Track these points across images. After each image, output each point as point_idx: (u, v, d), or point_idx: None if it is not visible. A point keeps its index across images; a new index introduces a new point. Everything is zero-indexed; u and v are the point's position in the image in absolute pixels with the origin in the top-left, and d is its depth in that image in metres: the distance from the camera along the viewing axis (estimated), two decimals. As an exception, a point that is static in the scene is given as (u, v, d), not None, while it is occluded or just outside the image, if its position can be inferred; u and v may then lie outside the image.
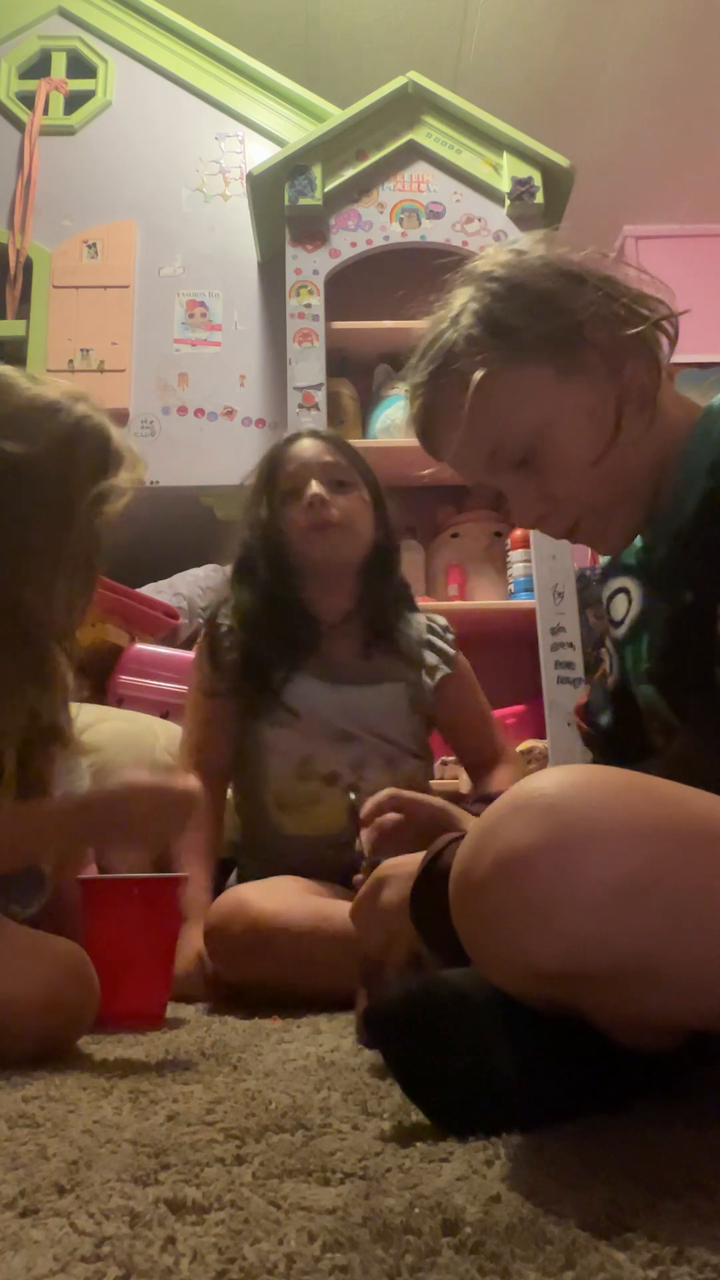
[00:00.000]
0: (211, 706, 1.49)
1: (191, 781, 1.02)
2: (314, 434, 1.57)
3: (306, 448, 1.54)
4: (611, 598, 0.90)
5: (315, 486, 1.48)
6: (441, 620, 1.61)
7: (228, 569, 1.60)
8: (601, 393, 0.79)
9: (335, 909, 1.19)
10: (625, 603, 0.87)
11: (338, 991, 1.09)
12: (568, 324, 0.79)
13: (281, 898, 1.24)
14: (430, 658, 1.54)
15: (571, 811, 0.54)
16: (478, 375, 0.79)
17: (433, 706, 1.54)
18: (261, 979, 1.20)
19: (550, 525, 0.85)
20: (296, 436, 1.57)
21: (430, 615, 1.62)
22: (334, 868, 1.33)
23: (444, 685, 1.53)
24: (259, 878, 1.34)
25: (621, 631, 0.88)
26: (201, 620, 1.58)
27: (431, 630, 1.58)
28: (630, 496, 0.82)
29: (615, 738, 0.93)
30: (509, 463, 0.82)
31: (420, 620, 1.59)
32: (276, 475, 1.52)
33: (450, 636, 1.59)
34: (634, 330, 0.79)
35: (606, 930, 0.52)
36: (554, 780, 0.56)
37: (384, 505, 1.57)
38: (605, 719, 0.94)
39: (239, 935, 1.20)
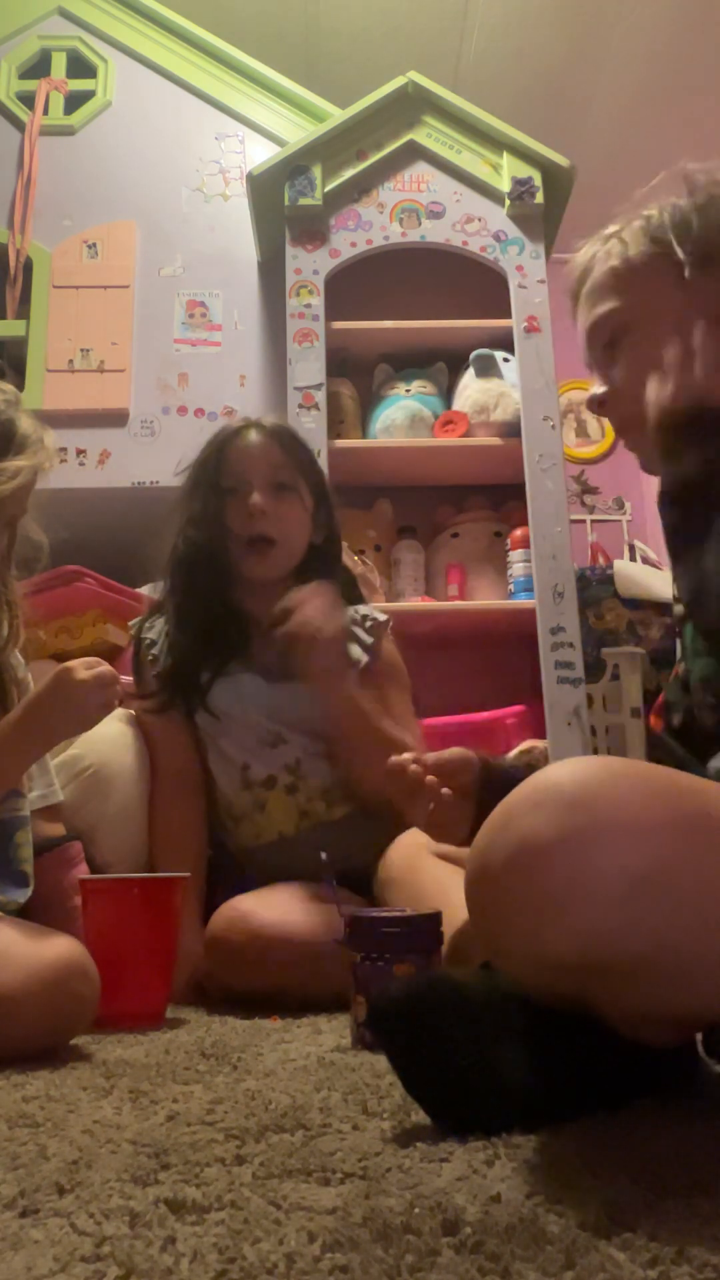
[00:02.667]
0: (161, 721, 1.48)
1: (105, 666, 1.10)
2: (258, 426, 1.52)
3: (253, 444, 1.50)
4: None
5: (257, 496, 1.46)
6: (366, 610, 1.57)
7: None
8: (698, 313, 0.83)
9: (335, 915, 1.19)
10: None
11: (341, 998, 1.09)
12: (715, 247, 0.84)
13: (282, 907, 1.24)
14: (354, 651, 1.50)
15: (589, 805, 0.54)
16: (613, 262, 0.88)
17: None
18: (264, 987, 1.20)
19: (610, 414, 0.92)
20: (242, 428, 1.52)
21: (358, 608, 1.57)
22: (291, 873, 1.32)
23: (361, 678, 1.48)
24: (230, 889, 1.33)
25: (682, 607, 0.87)
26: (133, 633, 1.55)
27: (354, 623, 1.53)
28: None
29: (687, 736, 0.92)
30: (599, 342, 0.90)
31: (349, 615, 1.53)
32: (219, 469, 1.49)
33: (370, 625, 1.54)
34: None
35: (622, 922, 0.52)
36: (571, 773, 0.57)
37: (327, 501, 1.55)
38: (678, 718, 0.92)
39: (241, 946, 1.20)
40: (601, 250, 0.90)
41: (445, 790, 1.01)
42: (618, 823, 0.53)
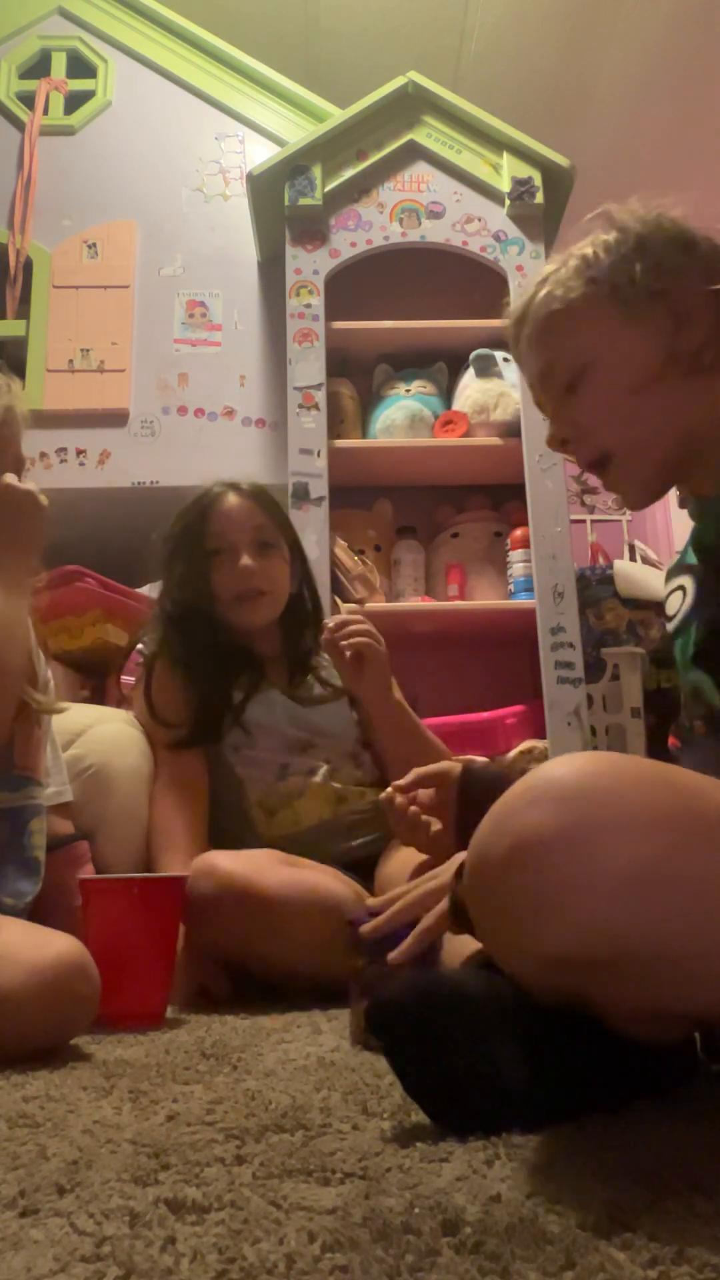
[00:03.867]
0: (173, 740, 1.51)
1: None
2: (238, 490, 1.58)
3: (234, 507, 1.55)
4: (669, 595, 0.92)
5: (245, 558, 1.51)
6: None
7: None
8: (654, 347, 0.85)
9: (316, 879, 1.21)
10: (680, 598, 0.89)
11: (316, 964, 1.14)
12: (660, 283, 0.85)
13: (254, 862, 1.24)
14: None
15: (589, 799, 0.54)
16: (555, 306, 0.89)
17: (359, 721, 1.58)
18: (234, 944, 1.20)
19: (576, 453, 0.92)
20: (222, 492, 1.57)
21: None
22: (329, 858, 1.36)
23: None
24: None
25: (674, 624, 0.89)
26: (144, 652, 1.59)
27: None
28: (651, 453, 0.87)
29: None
30: (557, 385, 0.91)
31: None
32: (202, 532, 1.54)
33: None
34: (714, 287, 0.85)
35: (621, 917, 0.52)
36: (571, 768, 0.57)
37: (301, 554, 1.62)
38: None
39: (208, 895, 1.19)
40: (540, 295, 0.91)
41: (433, 823, 1.07)
42: (616, 817, 0.53)
